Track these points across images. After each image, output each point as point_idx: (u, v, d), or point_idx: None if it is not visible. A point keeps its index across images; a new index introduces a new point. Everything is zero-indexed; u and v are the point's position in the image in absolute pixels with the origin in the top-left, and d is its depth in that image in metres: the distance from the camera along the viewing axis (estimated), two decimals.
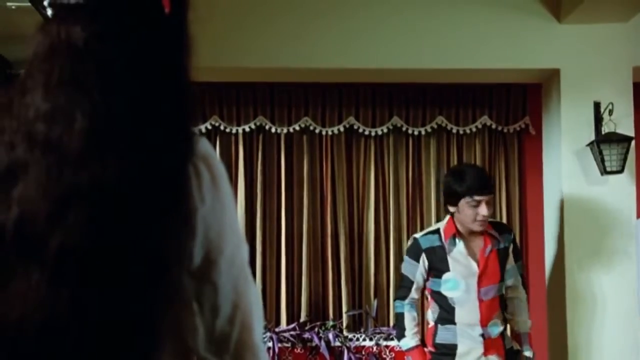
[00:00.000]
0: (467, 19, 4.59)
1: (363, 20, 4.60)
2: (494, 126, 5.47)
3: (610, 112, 4.52)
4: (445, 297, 3.79)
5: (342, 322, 5.35)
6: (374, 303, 5.38)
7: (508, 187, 5.52)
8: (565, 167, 4.65)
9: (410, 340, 3.86)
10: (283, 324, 5.22)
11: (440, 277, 3.79)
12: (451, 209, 3.83)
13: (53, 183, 1.13)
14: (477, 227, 3.73)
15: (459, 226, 3.79)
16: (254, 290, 1.31)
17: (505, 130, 5.50)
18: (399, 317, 3.96)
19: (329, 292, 5.41)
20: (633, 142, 4.49)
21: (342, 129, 5.43)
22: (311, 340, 5.09)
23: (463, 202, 3.71)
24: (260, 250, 5.29)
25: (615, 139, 4.46)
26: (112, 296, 1.11)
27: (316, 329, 5.17)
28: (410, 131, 5.46)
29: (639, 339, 4.54)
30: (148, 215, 1.14)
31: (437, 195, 5.47)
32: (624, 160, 4.45)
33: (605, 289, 4.55)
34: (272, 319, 5.25)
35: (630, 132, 4.51)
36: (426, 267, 3.84)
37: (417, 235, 3.96)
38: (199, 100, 5.34)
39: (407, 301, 3.91)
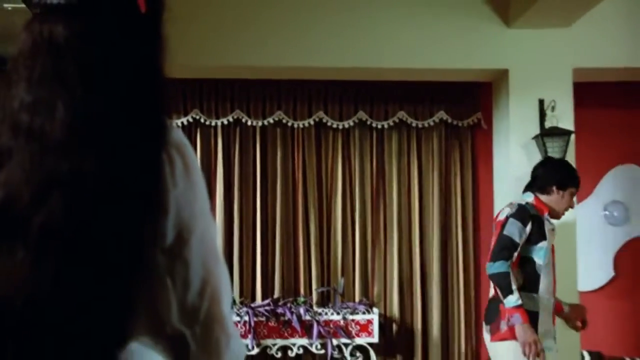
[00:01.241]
0: (425, 23, 4.63)
1: (331, 23, 4.63)
2: (449, 121, 5.53)
3: (553, 109, 4.58)
4: (533, 265, 3.75)
5: (312, 298, 5.38)
6: (341, 281, 5.43)
7: (462, 176, 5.59)
8: (513, 158, 4.69)
9: (517, 299, 3.60)
10: (258, 300, 5.24)
11: (536, 244, 3.77)
12: (555, 191, 3.88)
13: (35, 169, 1.13)
14: (563, 214, 3.91)
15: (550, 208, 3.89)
16: (223, 268, 1.31)
17: (459, 125, 5.55)
18: (505, 276, 3.69)
19: (300, 271, 5.45)
20: (573, 136, 4.56)
21: (312, 123, 5.47)
22: (284, 314, 5.09)
23: (569, 191, 3.85)
24: (237, 234, 5.31)
25: (557, 132, 4.53)
26: (91, 272, 1.11)
27: (288, 305, 5.16)
28: (374, 125, 5.51)
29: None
30: (124, 198, 1.14)
31: (398, 184, 5.53)
32: (565, 151, 4.51)
33: None
34: (248, 296, 5.27)
35: (570, 127, 4.58)
36: (527, 232, 3.76)
37: (517, 202, 3.90)
38: (173, 95, 5.31)
39: (509, 262, 3.72)
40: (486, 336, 3.83)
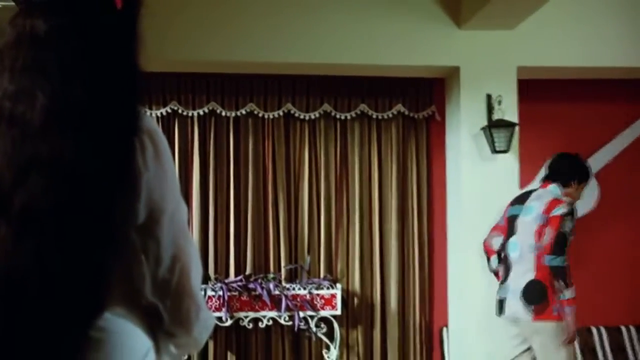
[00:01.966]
0: (384, 25, 4.65)
1: (298, 23, 4.67)
2: (406, 113, 5.58)
3: (499, 103, 4.66)
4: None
5: (280, 275, 5.43)
6: (307, 259, 5.50)
7: (418, 163, 5.65)
8: (464, 147, 4.76)
9: (573, 291, 3.90)
10: (232, 276, 5.29)
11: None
12: (575, 185, 4.18)
13: (17, 152, 1.13)
14: None
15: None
16: (192, 245, 1.32)
17: (415, 117, 5.60)
18: (566, 270, 3.95)
19: (270, 250, 5.49)
20: (517, 127, 4.67)
21: (281, 114, 5.50)
22: (255, 289, 5.14)
23: (582, 185, 4.19)
24: (212, 215, 5.36)
25: (503, 124, 4.62)
26: (70, 249, 1.11)
27: (259, 280, 5.22)
28: (338, 116, 5.56)
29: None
30: (99, 180, 1.13)
31: (360, 170, 5.61)
32: (510, 141, 4.63)
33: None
34: (222, 272, 5.32)
35: (515, 119, 4.68)
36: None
37: (570, 201, 4.11)
38: (149, 86, 5.23)
39: (566, 257, 3.97)
40: (523, 311, 3.98)
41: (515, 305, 4.00)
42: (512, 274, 4.08)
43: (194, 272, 1.29)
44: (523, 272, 4.01)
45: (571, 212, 4.03)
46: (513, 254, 4.09)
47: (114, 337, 1.20)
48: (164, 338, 1.29)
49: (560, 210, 4.00)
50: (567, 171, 4.17)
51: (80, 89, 1.16)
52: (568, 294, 3.88)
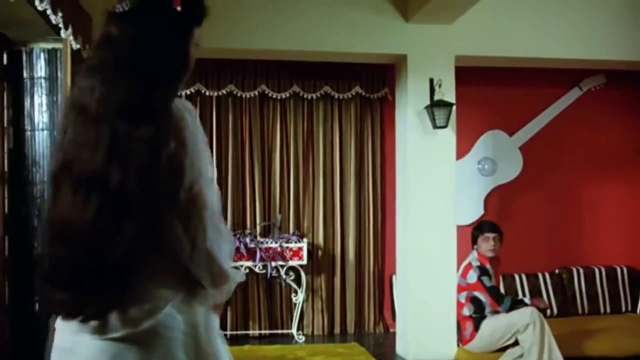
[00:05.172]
0: (343, 18, 4.61)
1: (268, 12, 4.57)
2: (363, 94, 5.67)
3: (440, 86, 4.66)
4: None
5: (256, 230, 5.50)
6: (279, 217, 5.56)
7: (373, 137, 5.74)
8: (410, 123, 4.74)
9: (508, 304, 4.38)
10: None
11: None
12: (480, 241, 4.52)
13: (82, 136, 1.21)
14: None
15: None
16: (223, 226, 1.33)
17: (371, 97, 5.69)
18: (512, 302, 4.37)
19: (247, 209, 5.55)
20: (454, 107, 4.67)
21: (256, 94, 5.53)
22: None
23: (487, 234, 4.51)
24: None
25: (442, 104, 4.62)
26: (137, 220, 1.18)
27: (237, 235, 5.23)
28: (305, 96, 5.61)
29: (453, 236, 4.76)
30: (145, 157, 1.18)
31: (324, 142, 5.64)
32: (448, 119, 4.63)
33: (431, 199, 4.73)
34: None
35: (452, 100, 4.68)
36: None
37: (479, 264, 4.43)
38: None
39: None
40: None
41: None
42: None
43: (223, 250, 1.31)
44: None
45: (482, 270, 4.38)
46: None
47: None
48: (198, 292, 1.30)
49: (473, 278, 4.40)
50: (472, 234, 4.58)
51: (131, 83, 1.21)
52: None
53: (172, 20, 1.29)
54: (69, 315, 1.23)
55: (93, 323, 1.22)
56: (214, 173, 1.31)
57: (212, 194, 1.28)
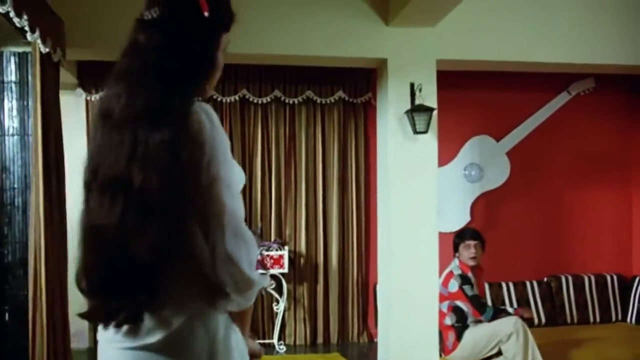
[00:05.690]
0: (323, 22, 4.55)
1: (251, 17, 4.44)
2: (346, 99, 5.61)
3: (420, 90, 4.57)
4: None
5: None
6: (259, 224, 5.54)
7: (356, 142, 5.69)
8: (390, 128, 4.67)
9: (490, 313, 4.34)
10: None
11: None
12: (461, 249, 4.49)
13: (107, 141, 1.26)
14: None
15: None
16: (246, 232, 1.31)
17: (354, 102, 5.64)
18: (494, 311, 4.33)
19: None
20: (435, 112, 4.58)
21: (237, 98, 5.49)
22: None
23: (468, 242, 4.47)
24: None
25: (423, 109, 4.53)
26: (159, 221, 1.20)
27: None
28: (287, 101, 5.55)
29: (435, 244, 4.61)
30: (166, 161, 1.20)
31: (306, 148, 5.59)
32: (428, 124, 4.54)
33: (413, 206, 4.63)
34: None
35: (433, 105, 4.59)
36: None
37: (460, 273, 4.40)
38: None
39: None
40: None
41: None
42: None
43: (243, 255, 1.29)
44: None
45: (464, 279, 4.33)
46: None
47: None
48: (221, 298, 1.31)
49: (455, 287, 4.34)
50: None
51: (154, 88, 1.24)
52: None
53: (200, 26, 1.30)
54: (104, 321, 1.29)
55: (127, 327, 1.27)
56: (241, 179, 1.31)
57: (232, 199, 1.27)
